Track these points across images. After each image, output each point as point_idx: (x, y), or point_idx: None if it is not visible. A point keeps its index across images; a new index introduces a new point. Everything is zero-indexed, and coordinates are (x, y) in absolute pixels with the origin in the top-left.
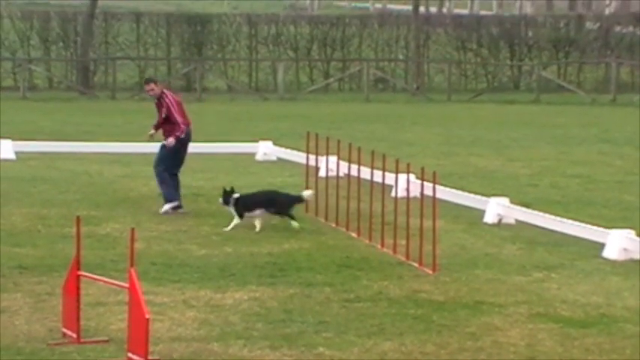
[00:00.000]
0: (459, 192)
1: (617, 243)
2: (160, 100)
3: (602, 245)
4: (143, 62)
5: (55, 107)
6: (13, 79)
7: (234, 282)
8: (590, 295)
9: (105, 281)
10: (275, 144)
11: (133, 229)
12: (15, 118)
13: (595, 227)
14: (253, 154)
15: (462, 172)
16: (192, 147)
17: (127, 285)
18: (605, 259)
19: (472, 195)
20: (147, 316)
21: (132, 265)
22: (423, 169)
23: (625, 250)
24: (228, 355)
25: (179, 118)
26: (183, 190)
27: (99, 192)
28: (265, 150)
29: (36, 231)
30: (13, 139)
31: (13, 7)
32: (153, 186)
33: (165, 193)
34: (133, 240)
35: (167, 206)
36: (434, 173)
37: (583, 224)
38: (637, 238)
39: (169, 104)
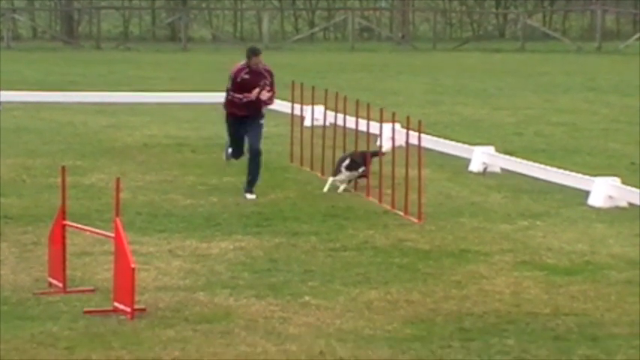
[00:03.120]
0: (445, 141)
1: (602, 190)
2: (261, 73)
3: (587, 193)
4: (127, 11)
5: (39, 57)
6: None
7: (220, 232)
8: (575, 243)
9: (90, 231)
10: None
11: (118, 179)
12: None
13: (580, 175)
14: None
15: (448, 121)
16: (178, 97)
17: (112, 235)
18: (590, 206)
19: (457, 144)
20: (132, 266)
21: (117, 215)
22: (408, 117)
23: (610, 197)
24: (214, 304)
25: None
26: (169, 140)
27: (84, 142)
28: None
29: (21, 181)
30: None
31: None
32: (138, 136)
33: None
34: (118, 190)
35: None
36: (419, 122)
37: (568, 172)
38: (622, 186)
39: (271, 72)
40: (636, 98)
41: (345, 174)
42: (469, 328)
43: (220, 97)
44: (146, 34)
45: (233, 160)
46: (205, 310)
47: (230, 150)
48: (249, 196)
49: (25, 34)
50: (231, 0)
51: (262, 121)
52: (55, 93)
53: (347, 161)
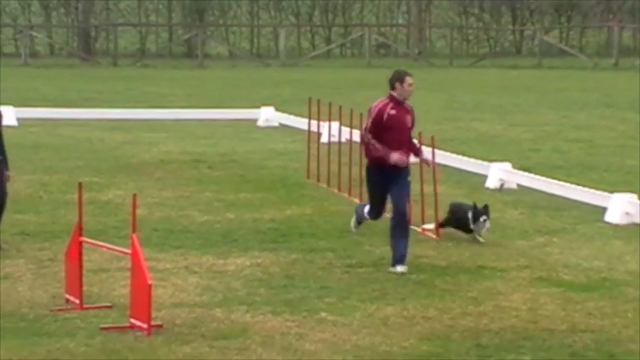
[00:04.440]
0: (461, 157)
1: (618, 207)
2: (402, 105)
3: (604, 209)
4: (144, 29)
5: (56, 74)
6: (14, 46)
7: (237, 248)
8: (592, 259)
9: (107, 247)
10: (277, 110)
11: (134, 196)
12: (16, 84)
13: (597, 191)
14: (255, 120)
15: (464, 137)
16: (195, 113)
17: (129, 251)
18: (607, 223)
19: (474, 160)
20: (149, 282)
21: (134, 231)
22: (420, 133)
23: (627, 214)
24: (231, 320)
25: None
26: (185, 157)
27: (100, 158)
28: (267, 116)
29: (38, 197)
30: (15, 105)
31: None
32: (154, 152)
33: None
34: (135, 206)
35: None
36: (432, 138)
37: (585, 188)
38: (639, 202)
39: (413, 109)
40: None
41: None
42: (486, 344)
43: (237, 113)
44: (163, 51)
45: (367, 221)
46: (222, 327)
47: (367, 209)
48: (399, 268)
49: (42, 50)
50: (248, 16)
51: (410, 178)
52: (72, 110)
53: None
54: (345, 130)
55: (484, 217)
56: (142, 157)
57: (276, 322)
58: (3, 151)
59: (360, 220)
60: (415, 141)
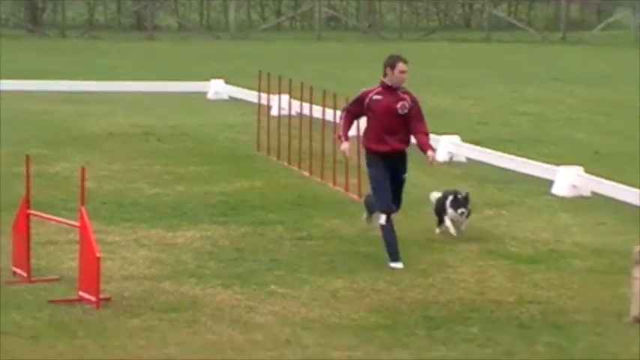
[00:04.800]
0: None
1: (566, 180)
2: (392, 91)
3: (551, 182)
4: (92, 0)
5: (2, 45)
6: None
7: (186, 221)
8: (539, 232)
9: (55, 220)
10: (227, 83)
11: (83, 168)
12: None
13: (545, 164)
14: (205, 93)
15: None
16: (144, 86)
17: (77, 224)
18: (555, 195)
19: None
20: (98, 255)
21: (82, 204)
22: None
23: (574, 186)
24: (180, 293)
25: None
26: (135, 129)
27: (49, 131)
28: (217, 89)
29: None
30: None
31: None
32: (104, 125)
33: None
34: (83, 179)
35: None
36: None
37: (533, 161)
38: (585, 175)
39: (413, 95)
40: (600, 88)
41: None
42: (434, 316)
43: (187, 86)
44: (112, 23)
45: (382, 219)
46: (171, 299)
47: (375, 201)
48: (392, 264)
49: None
50: None
51: (405, 175)
52: (20, 81)
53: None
54: (295, 103)
55: (462, 210)
56: (90, 130)
57: (226, 295)
58: None
59: (374, 211)
60: (431, 136)
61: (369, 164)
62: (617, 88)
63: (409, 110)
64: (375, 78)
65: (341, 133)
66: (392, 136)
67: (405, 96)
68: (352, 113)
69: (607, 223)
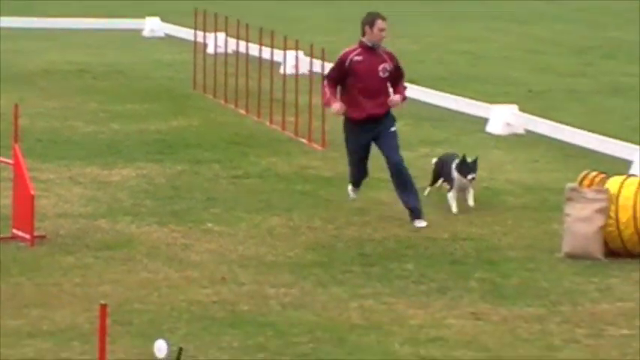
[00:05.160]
0: None
1: (500, 118)
2: (373, 51)
3: (486, 120)
4: None
5: None
6: None
7: (122, 159)
8: None
9: None
10: (163, 20)
11: (16, 105)
12: None
13: (479, 103)
14: (140, 31)
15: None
16: (78, 22)
17: (11, 161)
18: (489, 133)
19: None
20: (32, 193)
21: (16, 141)
22: (312, 45)
23: (508, 124)
24: (116, 231)
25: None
26: (70, 67)
27: None
28: (152, 26)
29: None
30: None
31: None
32: (38, 62)
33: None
34: (17, 116)
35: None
36: (322, 50)
37: (467, 99)
38: (519, 113)
39: (395, 57)
40: (535, 26)
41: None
42: (369, 253)
43: (122, 23)
44: None
45: (350, 192)
46: (107, 237)
47: (349, 172)
48: (417, 223)
49: None
50: None
51: (394, 128)
52: None
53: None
54: (232, 41)
55: (473, 176)
56: (25, 67)
57: (162, 233)
58: None
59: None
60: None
61: (345, 133)
62: (548, 26)
63: (390, 73)
64: (312, 14)
65: (328, 97)
66: (370, 99)
67: (387, 57)
68: (334, 79)
69: (540, 161)
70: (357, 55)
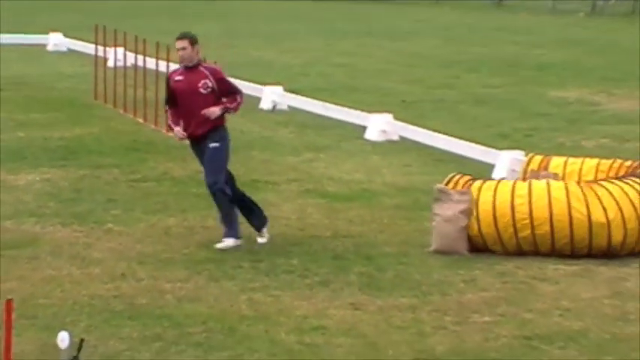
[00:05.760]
0: (237, 80)
1: (376, 126)
2: (193, 70)
3: (364, 128)
4: None
5: None
6: None
7: (27, 165)
8: (353, 173)
9: None
10: (65, 36)
11: None
12: None
13: (358, 112)
14: (45, 45)
15: (241, 62)
16: None
17: None
18: (367, 140)
19: (249, 83)
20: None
21: None
22: (205, 58)
23: (384, 131)
24: (21, 231)
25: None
26: None
27: None
28: (56, 41)
29: None
30: None
31: None
32: None
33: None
34: None
35: (231, 242)
36: (214, 62)
37: (347, 109)
38: (394, 121)
39: (217, 71)
40: (406, 42)
41: None
42: (258, 250)
43: (26, 38)
44: None
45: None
46: (12, 237)
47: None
48: (259, 239)
49: None
50: None
51: (218, 144)
52: None
53: None
54: (130, 55)
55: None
56: None
57: (65, 233)
58: None
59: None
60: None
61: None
62: (419, 42)
63: (214, 89)
64: (205, 31)
65: (169, 122)
66: (194, 117)
67: (208, 73)
68: (168, 101)
69: (412, 165)
70: (179, 75)
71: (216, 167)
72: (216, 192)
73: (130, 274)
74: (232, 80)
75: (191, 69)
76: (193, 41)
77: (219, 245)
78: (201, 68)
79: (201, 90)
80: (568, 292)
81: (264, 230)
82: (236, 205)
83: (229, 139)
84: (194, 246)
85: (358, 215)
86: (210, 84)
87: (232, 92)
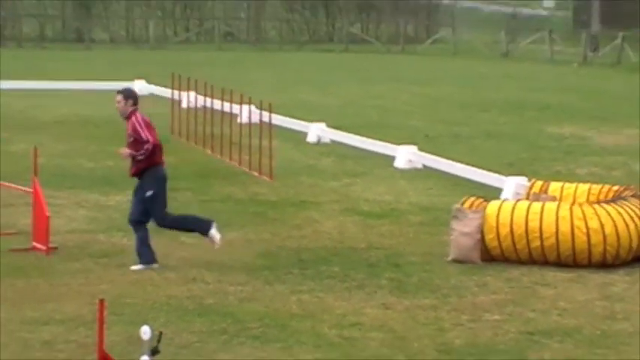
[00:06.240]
0: (289, 119)
1: (404, 156)
2: (127, 120)
3: (393, 158)
4: (43, 18)
5: None
6: None
7: (115, 188)
8: (384, 195)
9: (14, 187)
10: (148, 82)
11: (35, 148)
12: None
13: (388, 144)
14: None
15: (291, 103)
16: (83, 84)
17: (31, 190)
18: (396, 168)
19: (298, 121)
20: (47, 214)
21: (35, 175)
22: (261, 101)
23: (410, 161)
24: (111, 243)
25: (149, 136)
26: (76, 118)
27: (9, 118)
28: (140, 87)
29: None
30: None
31: None
32: (52, 115)
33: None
34: (36, 156)
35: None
36: (269, 105)
37: (379, 142)
38: (418, 152)
39: (134, 122)
40: (428, 87)
41: None
42: (305, 259)
43: (115, 85)
44: (58, 36)
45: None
46: (104, 248)
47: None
48: (133, 266)
49: None
50: (125, 11)
51: (150, 192)
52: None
53: None
54: (200, 98)
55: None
56: (41, 119)
57: None
58: None
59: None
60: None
61: None
62: (439, 88)
63: (135, 138)
64: (261, 78)
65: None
66: (131, 162)
67: (130, 126)
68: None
69: (434, 188)
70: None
71: (156, 210)
72: (164, 226)
73: (199, 278)
74: (143, 132)
75: (126, 119)
76: (126, 96)
77: (134, 267)
78: (132, 119)
79: (128, 138)
80: (565, 295)
81: (212, 232)
82: (181, 228)
83: (158, 180)
84: (252, 256)
85: (388, 230)
86: (131, 134)
87: (141, 142)
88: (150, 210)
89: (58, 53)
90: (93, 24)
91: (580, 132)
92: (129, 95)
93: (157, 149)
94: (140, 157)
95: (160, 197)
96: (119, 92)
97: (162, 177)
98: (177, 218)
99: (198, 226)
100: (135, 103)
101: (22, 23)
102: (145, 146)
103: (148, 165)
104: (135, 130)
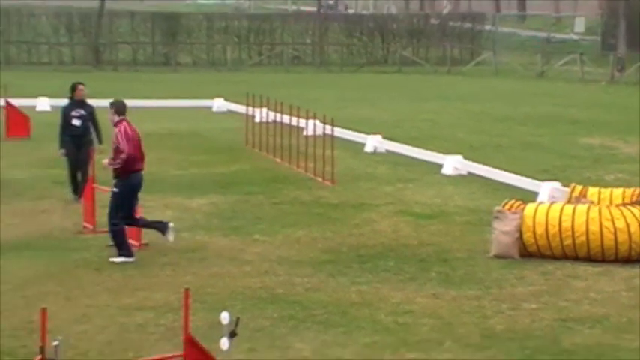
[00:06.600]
0: (349, 132)
1: (451, 164)
2: (114, 129)
3: (441, 166)
4: (135, 45)
5: (76, 77)
6: (47, 57)
7: (198, 192)
8: (433, 198)
9: (109, 190)
10: (226, 100)
11: None
12: (46, 83)
13: (437, 154)
14: (210, 108)
15: (350, 118)
16: (169, 102)
17: None
18: (443, 174)
19: (357, 133)
20: (138, 217)
21: None
22: (324, 116)
23: (456, 168)
24: (195, 240)
25: (125, 147)
26: (164, 131)
27: (106, 134)
28: (219, 104)
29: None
30: (49, 97)
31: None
32: (142, 129)
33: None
34: None
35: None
36: (332, 119)
37: (429, 152)
38: (463, 161)
39: (117, 132)
40: (473, 104)
41: None
42: (364, 254)
43: (197, 102)
44: (148, 60)
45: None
46: (189, 244)
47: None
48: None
49: (67, 60)
50: (205, 38)
51: (115, 189)
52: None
53: None
54: (271, 113)
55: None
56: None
57: (226, 242)
58: (96, 129)
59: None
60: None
61: None
62: (482, 104)
63: (117, 146)
64: (324, 97)
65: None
66: None
67: (113, 134)
68: None
69: (477, 193)
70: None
71: (113, 207)
72: (112, 225)
73: (271, 271)
74: (122, 142)
75: (115, 128)
76: (113, 107)
77: (112, 259)
78: (118, 129)
79: (113, 145)
80: (594, 287)
81: (168, 233)
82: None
83: (127, 185)
84: (317, 251)
85: (437, 229)
86: (114, 141)
87: (118, 151)
88: (110, 204)
89: (148, 75)
90: (178, 49)
91: (608, 143)
92: (114, 106)
93: (131, 159)
94: (116, 166)
95: (124, 200)
96: (109, 104)
97: (135, 184)
98: (136, 222)
99: (152, 227)
100: (120, 114)
101: (118, 50)
102: (121, 156)
103: (123, 171)
104: (117, 139)
